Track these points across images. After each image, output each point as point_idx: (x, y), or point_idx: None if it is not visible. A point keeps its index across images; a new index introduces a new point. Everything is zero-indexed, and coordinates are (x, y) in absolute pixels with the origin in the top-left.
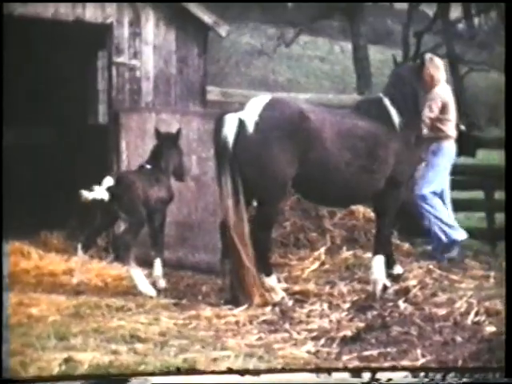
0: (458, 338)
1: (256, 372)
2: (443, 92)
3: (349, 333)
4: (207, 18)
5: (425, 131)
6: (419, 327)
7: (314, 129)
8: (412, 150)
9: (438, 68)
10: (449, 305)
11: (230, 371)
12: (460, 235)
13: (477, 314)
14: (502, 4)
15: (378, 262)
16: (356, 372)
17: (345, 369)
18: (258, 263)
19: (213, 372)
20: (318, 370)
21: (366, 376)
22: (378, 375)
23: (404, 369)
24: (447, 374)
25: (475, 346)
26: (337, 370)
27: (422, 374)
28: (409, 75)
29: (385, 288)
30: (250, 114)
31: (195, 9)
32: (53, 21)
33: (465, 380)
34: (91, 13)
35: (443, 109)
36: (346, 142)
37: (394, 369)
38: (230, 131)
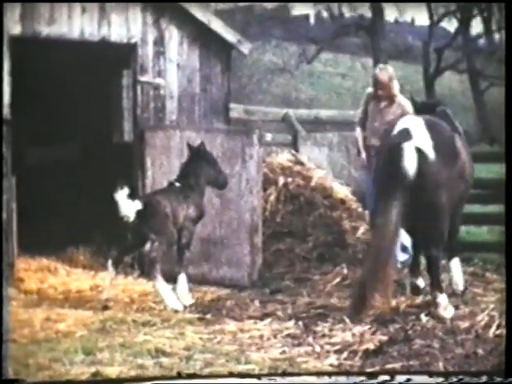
0: (480, 351)
1: (257, 376)
2: None
3: (371, 346)
4: (230, 36)
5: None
6: (441, 340)
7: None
8: None
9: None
10: (471, 318)
11: (230, 375)
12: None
13: (498, 326)
14: None
15: (456, 265)
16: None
17: (346, 373)
18: (433, 282)
19: (213, 376)
20: (318, 373)
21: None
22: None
23: (402, 372)
24: (448, 376)
25: (497, 358)
26: (337, 373)
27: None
28: None
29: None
30: (424, 141)
31: (218, 27)
32: (79, 41)
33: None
34: (116, 33)
35: None
36: None
37: (393, 372)
38: (411, 160)
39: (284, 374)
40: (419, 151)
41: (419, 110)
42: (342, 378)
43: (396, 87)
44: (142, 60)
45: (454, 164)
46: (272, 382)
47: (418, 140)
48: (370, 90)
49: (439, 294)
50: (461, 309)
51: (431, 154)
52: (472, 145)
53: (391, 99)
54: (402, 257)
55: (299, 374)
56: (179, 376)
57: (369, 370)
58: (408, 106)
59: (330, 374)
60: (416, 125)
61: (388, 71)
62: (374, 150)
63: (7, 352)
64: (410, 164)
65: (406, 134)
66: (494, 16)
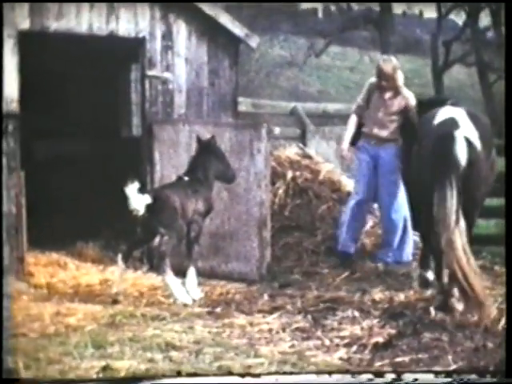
0: (490, 344)
1: (256, 374)
2: None
3: (381, 339)
4: (238, 30)
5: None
6: (450, 333)
7: None
8: None
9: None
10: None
11: (230, 373)
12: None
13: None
14: None
15: None
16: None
17: (346, 371)
18: None
19: (214, 374)
20: (318, 372)
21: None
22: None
23: (403, 371)
24: (450, 375)
25: (506, 351)
26: (337, 372)
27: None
28: None
29: None
30: (471, 130)
31: (226, 21)
32: (87, 36)
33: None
34: (124, 27)
35: None
36: None
37: (395, 371)
38: (463, 149)
39: (284, 372)
40: (467, 141)
41: (428, 105)
42: (347, 377)
43: (400, 78)
44: (151, 54)
45: (490, 156)
46: (273, 381)
47: (466, 129)
48: (372, 80)
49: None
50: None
51: (478, 144)
52: None
53: (396, 90)
54: (391, 256)
55: (296, 372)
56: (179, 374)
57: (378, 363)
58: (411, 98)
59: (330, 373)
60: (460, 114)
61: (392, 62)
62: (376, 140)
63: (17, 346)
64: (462, 153)
65: (453, 123)
66: (503, 8)
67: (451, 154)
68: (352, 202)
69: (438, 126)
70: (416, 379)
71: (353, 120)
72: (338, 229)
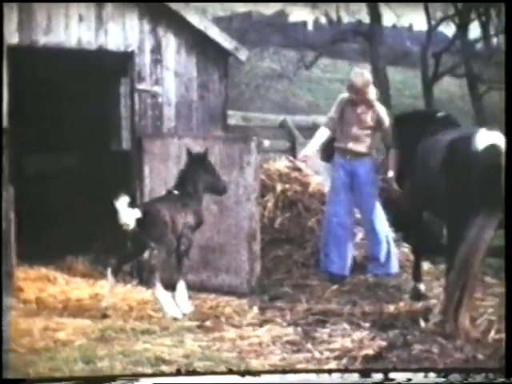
0: (480, 356)
1: (256, 373)
2: None
3: (371, 351)
4: (227, 43)
5: None
6: (440, 345)
7: None
8: None
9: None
10: (470, 322)
11: (230, 372)
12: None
13: (498, 331)
14: None
15: None
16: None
17: (345, 370)
18: None
19: (214, 373)
20: (318, 370)
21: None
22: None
23: (404, 370)
24: (449, 374)
25: (497, 362)
26: (337, 371)
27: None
28: None
29: None
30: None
31: (215, 34)
32: (76, 50)
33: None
34: (113, 41)
35: None
36: None
37: (394, 370)
38: (504, 180)
39: (283, 371)
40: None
41: (416, 119)
42: (348, 377)
43: (372, 92)
44: (140, 68)
45: None
46: (273, 380)
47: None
48: (344, 94)
49: None
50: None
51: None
52: None
53: (368, 104)
54: (379, 269)
55: (296, 371)
56: (178, 373)
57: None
58: (383, 111)
59: (329, 372)
60: (500, 139)
61: (363, 76)
62: (350, 155)
63: (7, 361)
64: (504, 184)
65: (495, 150)
66: (492, 20)
67: (500, 185)
68: (332, 225)
69: (481, 153)
70: (410, 379)
71: (322, 132)
72: (323, 250)
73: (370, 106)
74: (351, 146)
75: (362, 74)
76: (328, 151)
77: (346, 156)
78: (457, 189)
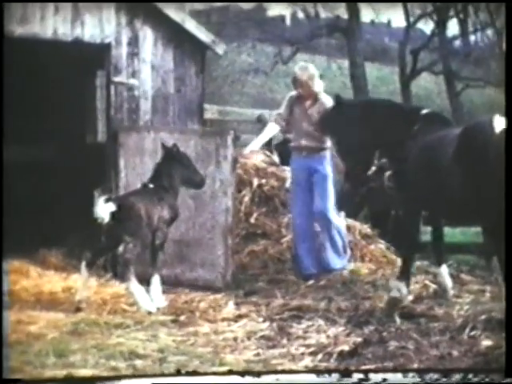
0: (455, 352)
1: (256, 373)
2: None
3: (346, 348)
4: (205, 37)
5: None
6: (416, 342)
7: None
8: None
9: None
10: (445, 319)
11: (230, 372)
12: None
13: (473, 328)
14: (499, 21)
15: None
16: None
17: (345, 370)
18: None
19: (214, 373)
20: (317, 371)
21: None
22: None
23: (405, 370)
24: (447, 374)
25: (471, 359)
26: (336, 371)
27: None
28: None
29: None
30: None
31: (193, 28)
32: (52, 41)
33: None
34: (90, 33)
35: None
36: None
37: (393, 370)
38: None
39: (283, 371)
40: None
41: (402, 116)
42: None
43: (317, 85)
44: (116, 60)
45: None
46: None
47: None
48: (292, 93)
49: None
50: (435, 310)
51: None
52: None
53: (314, 98)
54: (340, 263)
55: (296, 372)
56: (178, 373)
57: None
58: (329, 102)
59: (329, 372)
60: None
61: (308, 70)
62: (306, 152)
63: None
64: None
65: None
66: (470, 18)
67: None
68: (296, 226)
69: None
70: (385, 379)
71: (271, 127)
72: (293, 250)
73: (315, 99)
74: (304, 142)
75: (307, 67)
76: (286, 154)
77: (301, 153)
78: (475, 175)
